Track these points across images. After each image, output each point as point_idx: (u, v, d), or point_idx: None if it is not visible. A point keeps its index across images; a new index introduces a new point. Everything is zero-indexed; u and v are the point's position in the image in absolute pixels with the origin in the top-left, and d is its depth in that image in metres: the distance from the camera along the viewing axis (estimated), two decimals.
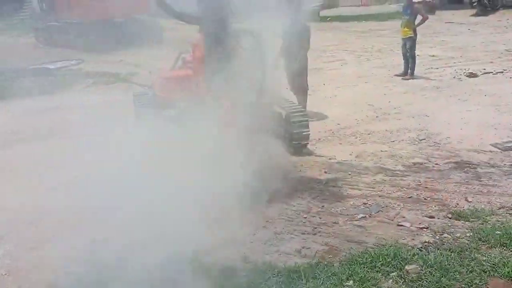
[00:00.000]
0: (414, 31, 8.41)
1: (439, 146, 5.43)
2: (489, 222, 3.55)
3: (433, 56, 10.43)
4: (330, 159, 5.18)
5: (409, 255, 3.02)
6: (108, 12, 13.89)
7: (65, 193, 4.06)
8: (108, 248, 3.14)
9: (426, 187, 4.33)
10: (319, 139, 5.87)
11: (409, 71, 8.67)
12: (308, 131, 5.23)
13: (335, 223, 3.70)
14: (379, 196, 4.17)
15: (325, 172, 4.77)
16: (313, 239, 3.42)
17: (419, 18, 8.43)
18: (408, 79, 8.59)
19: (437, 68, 9.32)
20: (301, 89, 6.56)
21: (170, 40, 12.84)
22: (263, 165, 4.53)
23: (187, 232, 3.22)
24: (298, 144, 5.23)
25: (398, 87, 8.20)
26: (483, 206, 3.86)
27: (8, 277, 3.10)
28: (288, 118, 5.27)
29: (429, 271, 2.83)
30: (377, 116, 6.65)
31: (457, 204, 3.96)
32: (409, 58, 8.58)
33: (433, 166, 4.85)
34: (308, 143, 5.35)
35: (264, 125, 5.38)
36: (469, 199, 4.02)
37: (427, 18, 8.47)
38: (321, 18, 18.46)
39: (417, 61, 8.76)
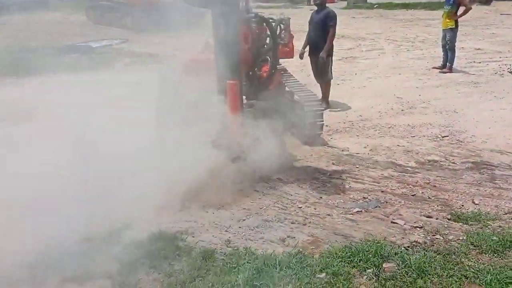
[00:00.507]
0: (456, 22, 7.99)
1: (461, 145, 5.20)
2: (489, 226, 3.39)
3: (478, 49, 9.89)
4: (342, 150, 5.11)
5: (391, 253, 2.95)
6: None
7: None
8: None
9: (435, 186, 4.19)
10: (337, 129, 5.79)
11: (447, 64, 8.28)
12: (322, 121, 5.17)
13: (328, 215, 3.67)
14: (382, 192, 4.08)
15: (333, 164, 4.71)
16: (301, 229, 3.42)
17: (462, 9, 8.01)
18: (445, 73, 8.22)
19: (480, 62, 8.84)
20: (324, 78, 6.46)
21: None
22: (269, 151, 4.59)
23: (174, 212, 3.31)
24: (310, 133, 5.18)
25: (432, 80, 7.87)
26: (488, 210, 3.69)
27: None
28: (302, 107, 5.23)
29: (406, 271, 2.76)
30: (402, 110, 6.45)
31: (462, 205, 3.80)
32: (449, 50, 8.19)
33: (449, 165, 4.67)
34: (321, 133, 5.29)
35: (279, 111, 5.41)
36: (476, 202, 3.85)
37: (470, 8, 8.02)
38: (368, 5, 17.95)
39: (460, 54, 8.39)
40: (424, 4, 17.26)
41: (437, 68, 8.47)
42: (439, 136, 5.48)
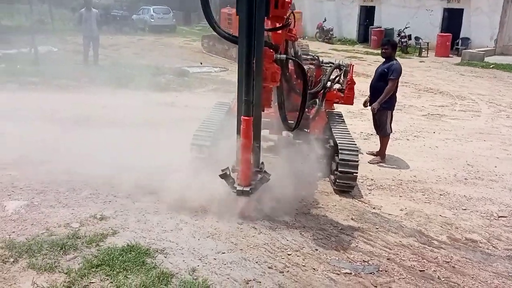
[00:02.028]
0: None
1: None
2: None
3: None
4: (373, 208, 4.77)
5: None
6: None
7: None
8: None
9: (453, 267, 3.68)
10: (381, 186, 5.42)
11: None
12: (355, 172, 4.90)
13: (313, 269, 3.44)
14: (388, 259, 3.71)
15: (352, 219, 4.42)
16: (273, 276, 3.26)
17: None
18: None
19: None
20: (380, 131, 6.15)
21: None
22: (283, 193, 4.50)
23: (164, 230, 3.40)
24: (342, 183, 4.94)
25: None
26: None
27: None
28: (337, 155, 5.03)
29: None
30: (466, 178, 5.80)
31: None
32: None
33: (487, 248, 4.07)
34: (353, 185, 5.00)
35: (313, 155, 5.30)
36: None
37: None
38: (484, 64, 16.62)
39: None
40: None
41: None
42: (495, 214, 4.81)
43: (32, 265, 3.05)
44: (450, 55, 19.59)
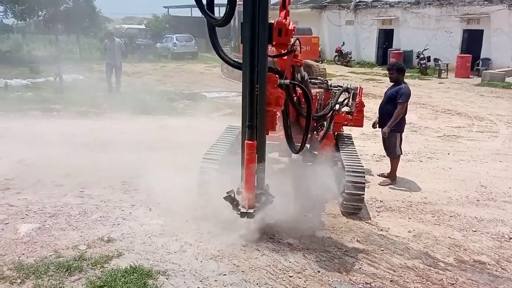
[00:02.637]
0: None
1: None
2: None
3: None
4: (381, 230, 4.74)
5: None
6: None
7: None
8: None
9: None
10: (390, 207, 5.39)
11: None
12: (362, 194, 4.91)
13: None
14: (391, 281, 3.69)
15: (357, 241, 4.40)
16: None
17: None
18: None
19: None
20: (389, 154, 6.15)
21: None
22: (289, 214, 4.56)
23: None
24: (349, 205, 4.95)
25: None
26: None
27: None
28: (343, 176, 5.06)
29: None
30: (478, 200, 5.71)
31: None
32: None
33: (496, 270, 3.99)
34: (360, 207, 5.00)
35: (326, 178, 5.35)
36: None
37: None
38: (504, 84, 16.37)
39: None
40: None
41: None
42: (506, 236, 4.71)
43: (37, 286, 3.18)
44: (470, 76, 19.39)
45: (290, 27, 4.40)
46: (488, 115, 11.41)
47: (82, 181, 5.60)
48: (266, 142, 5.76)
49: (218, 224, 4.15)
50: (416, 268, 3.96)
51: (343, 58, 24.86)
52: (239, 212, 4.06)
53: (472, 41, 21.24)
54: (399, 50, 22.94)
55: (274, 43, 4.33)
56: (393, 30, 24.38)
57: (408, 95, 5.79)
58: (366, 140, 8.59)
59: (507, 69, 18.87)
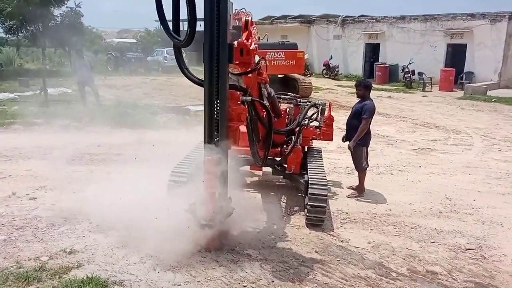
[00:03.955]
0: None
1: (482, 262, 4.56)
2: None
3: None
4: (341, 241, 4.89)
5: None
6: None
7: None
8: None
9: None
10: (354, 219, 5.55)
11: None
12: (324, 206, 5.07)
13: None
14: None
15: (316, 252, 4.55)
16: None
17: None
18: None
19: None
20: (356, 167, 6.35)
21: None
22: (249, 226, 4.72)
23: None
24: (311, 217, 5.11)
25: (502, 186, 7.00)
26: None
27: None
28: (307, 190, 5.23)
29: None
30: (440, 212, 5.89)
31: None
32: None
33: (446, 280, 4.15)
34: (323, 219, 5.16)
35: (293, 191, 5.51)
36: None
37: None
38: (486, 98, 16.72)
39: None
40: None
41: None
42: (463, 247, 4.88)
43: None
44: (454, 89, 19.77)
45: (251, 47, 4.62)
46: (466, 128, 11.67)
47: (55, 194, 5.73)
48: (240, 155, 6.01)
49: (179, 236, 4.27)
50: (368, 277, 4.11)
51: (330, 71, 25.24)
52: (199, 224, 4.22)
53: (456, 55, 21.69)
54: (385, 64, 23.34)
55: (236, 62, 4.55)
56: (379, 44, 24.83)
57: (371, 111, 5.99)
58: (342, 153, 8.76)
59: (489, 83, 19.28)
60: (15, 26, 15.49)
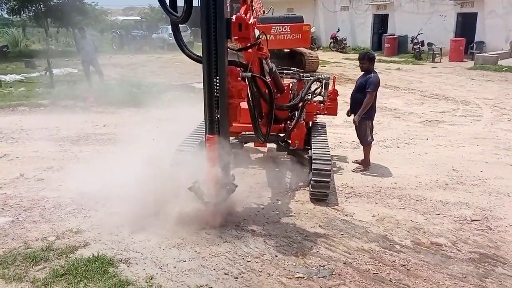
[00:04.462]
0: None
1: (487, 233, 4.55)
2: None
3: None
4: (346, 215, 4.90)
5: None
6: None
7: None
8: None
9: (408, 270, 3.79)
10: (359, 193, 5.54)
11: None
12: (327, 181, 5.06)
13: (269, 274, 3.63)
14: (344, 263, 3.86)
15: (320, 226, 4.57)
16: (226, 282, 3.47)
17: None
18: None
19: None
20: (361, 141, 6.31)
21: None
22: (254, 203, 4.74)
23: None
24: (315, 192, 5.11)
25: (510, 157, 6.92)
26: None
27: None
28: (310, 165, 5.22)
29: None
30: (446, 184, 5.85)
31: None
32: None
33: (450, 252, 4.15)
34: (327, 193, 5.16)
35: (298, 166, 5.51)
36: None
37: None
38: (497, 67, 16.36)
39: None
40: None
41: None
42: (468, 218, 4.86)
43: (2, 275, 3.38)
44: (464, 60, 19.37)
45: (250, 22, 4.53)
46: (475, 99, 11.48)
47: (62, 174, 5.80)
48: (244, 133, 6.00)
49: (185, 214, 4.31)
50: (372, 250, 4.12)
51: (338, 44, 24.84)
52: (203, 202, 4.25)
53: (466, 25, 21.16)
54: (394, 35, 22.88)
55: (234, 37, 4.47)
56: (387, 15, 24.29)
57: (376, 84, 5.89)
58: (348, 128, 8.67)
59: (501, 52, 18.83)
60: (17, 7, 15.38)
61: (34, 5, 13.03)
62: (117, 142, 7.15)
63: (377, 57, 20.86)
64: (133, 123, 8.50)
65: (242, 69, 4.50)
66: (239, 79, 4.46)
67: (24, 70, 16.86)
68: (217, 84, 4.14)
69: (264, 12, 17.06)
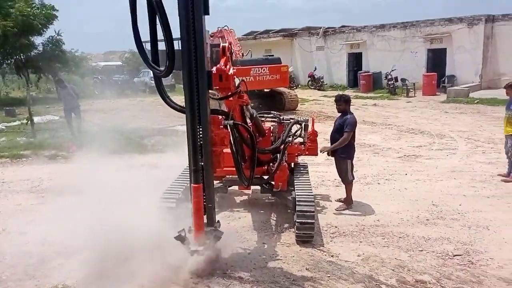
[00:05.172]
0: None
1: (470, 267, 4.66)
2: None
3: None
4: (331, 256, 4.96)
5: None
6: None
7: None
8: None
9: None
10: (343, 233, 5.63)
11: (511, 173, 7.50)
12: (312, 222, 5.15)
13: None
14: None
15: (306, 269, 4.61)
16: None
17: None
18: (508, 182, 7.41)
19: None
20: (342, 180, 6.46)
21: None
22: (240, 249, 4.77)
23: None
24: (300, 233, 5.18)
25: (487, 189, 7.15)
26: None
27: None
28: (294, 207, 5.31)
29: None
30: (427, 219, 5.99)
31: None
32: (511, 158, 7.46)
33: None
34: (312, 235, 5.23)
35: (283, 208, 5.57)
36: None
37: None
38: (469, 100, 17.03)
39: None
40: None
41: (501, 176, 7.69)
42: (450, 254, 4.98)
43: None
44: (437, 93, 20.12)
45: (230, 73, 4.73)
46: (450, 132, 11.88)
47: (46, 227, 5.73)
48: (228, 177, 6.08)
49: (170, 262, 4.31)
50: None
51: (316, 82, 25.56)
52: (189, 251, 4.27)
53: (437, 60, 22.12)
54: (369, 72, 23.68)
55: (216, 87, 4.66)
56: (361, 53, 25.22)
57: (353, 124, 6.12)
58: (330, 166, 8.84)
59: (471, 85, 19.65)
60: None
61: (15, 57, 13.16)
62: (100, 190, 7.11)
63: (353, 94, 21.62)
64: (116, 170, 8.48)
65: (224, 117, 4.66)
66: (222, 127, 4.61)
67: (4, 118, 16.77)
68: (201, 133, 4.26)
69: (243, 54, 17.64)
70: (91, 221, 5.44)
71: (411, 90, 20.45)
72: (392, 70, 21.54)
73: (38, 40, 13.85)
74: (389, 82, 21.29)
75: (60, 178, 8.05)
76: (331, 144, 6.45)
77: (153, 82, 24.45)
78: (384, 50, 23.89)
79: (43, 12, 12.76)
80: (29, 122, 12.60)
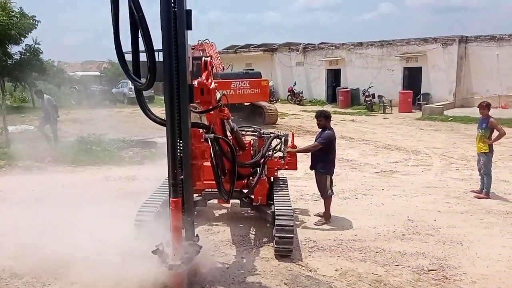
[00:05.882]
0: (490, 147, 7.58)
1: (444, 282, 4.75)
2: None
3: None
4: (310, 270, 4.99)
5: None
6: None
7: None
8: None
9: None
10: (322, 247, 5.67)
11: (484, 189, 7.71)
12: (291, 237, 5.18)
13: None
14: None
15: (285, 284, 4.62)
16: None
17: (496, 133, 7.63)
18: (480, 198, 7.62)
19: None
20: (321, 194, 6.53)
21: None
22: (218, 264, 4.75)
23: None
24: (279, 248, 5.19)
25: (460, 205, 7.33)
26: None
27: None
28: (274, 221, 5.33)
29: None
30: (403, 234, 6.10)
31: None
32: (484, 175, 7.68)
33: None
34: (291, 249, 5.25)
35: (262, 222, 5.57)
36: None
37: (504, 133, 7.58)
38: (443, 117, 17.49)
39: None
40: (507, 120, 16.21)
41: (474, 192, 7.90)
42: (425, 268, 5.07)
43: None
44: (412, 111, 20.60)
45: (211, 87, 4.76)
46: (425, 149, 12.16)
47: (18, 240, 5.57)
48: (207, 190, 6.06)
49: (147, 277, 4.25)
50: None
51: (295, 97, 25.82)
52: (167, 265, 4.21)
53: (412, 78, 22.71)
54: (347, 88, 24.10)
55: (198, 101, 4.68)
56: (340, 69, 25.68)
57: (327, 138, 6.21)
58: (309, 180, 8.93)
59: (445, 103, 20.21)
60: None
61: None
62: (76, 203, 6.99)
63: (332, 109, 21.91)
64: (92, 183, 8.37)
65: (205, 130, 4.67)
66: (202, 140, 4.62)
67: None
68: (181, 146, 4.25)
69: (223, 68, 17.74)
70: (66, 234, 5.35)
71: (388, 106, 20.89)
72: (370, 87, 21.99)
73: (14, 49, 13.55)
74: (367, 99, 21.70)
75: (34, 189, 7.85)
76: (311, 159, 6.53)
77: (131, 92, 24.38)
78: (362, 67, 24.40)
79: (22, 21, 12.52)
80: (3, 131, 12.30)
